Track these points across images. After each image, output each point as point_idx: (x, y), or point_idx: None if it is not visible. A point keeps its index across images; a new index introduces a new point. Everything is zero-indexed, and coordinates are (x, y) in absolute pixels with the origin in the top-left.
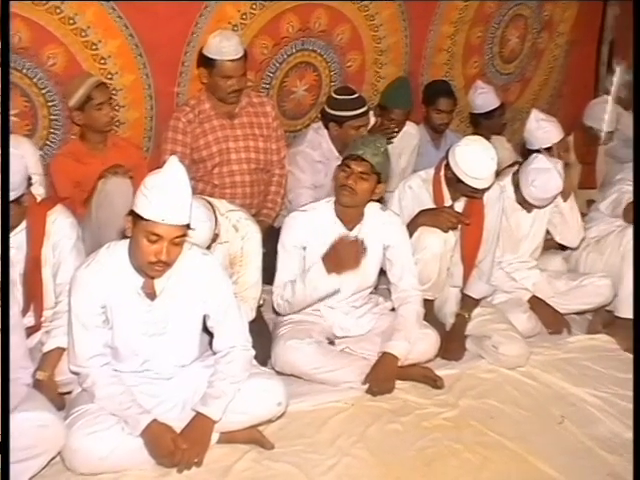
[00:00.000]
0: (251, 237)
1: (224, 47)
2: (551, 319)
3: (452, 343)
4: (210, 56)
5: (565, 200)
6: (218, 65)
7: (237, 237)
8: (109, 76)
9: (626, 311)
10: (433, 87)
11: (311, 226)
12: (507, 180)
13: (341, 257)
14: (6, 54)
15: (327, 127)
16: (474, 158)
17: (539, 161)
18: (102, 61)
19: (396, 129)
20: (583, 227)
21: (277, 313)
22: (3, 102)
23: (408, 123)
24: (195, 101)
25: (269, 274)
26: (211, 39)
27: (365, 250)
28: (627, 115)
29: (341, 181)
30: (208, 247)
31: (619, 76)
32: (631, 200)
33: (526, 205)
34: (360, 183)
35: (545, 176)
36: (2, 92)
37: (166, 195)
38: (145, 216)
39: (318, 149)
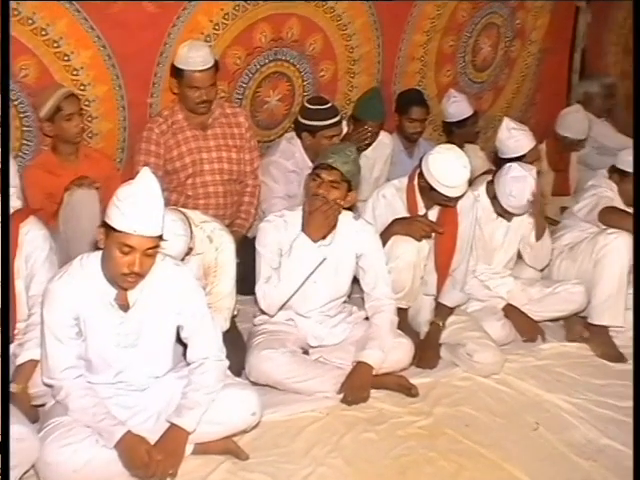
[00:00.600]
0: (225, 248)
1: (192, 57)
2: (525, 326)
3: (426, 351)
4: (179, 66)
5: (538, 239)
6: (186, 75)
7: (211, 248)
8: (82, 87)
9: (599, 318)
10: (406, 96)
11: (285, 231)
12: (481, 190)
13: (318, 220)
14: (6, 56)
15: (300, 137)
16: (447, 166)
17: (514, 170)
18: (75, 72)
19: (368, 141)
20: (551, 253)
21: (262, 312)
22: (3, 106)
23: (381, 132)
24: (168, 112)
25: (243, 284)
26: (180, 49)
27: (339, 210)
28: (599, 123)
29: (312, 190)
30: (182, 259)
31: (591, 84)
32: (608, 204)
33: (506, 215)
34: (331, 192)
35: (521, 184)
36: (2, 96)
37: (139, 206)
38: (117, 227)
39: (291, 159)
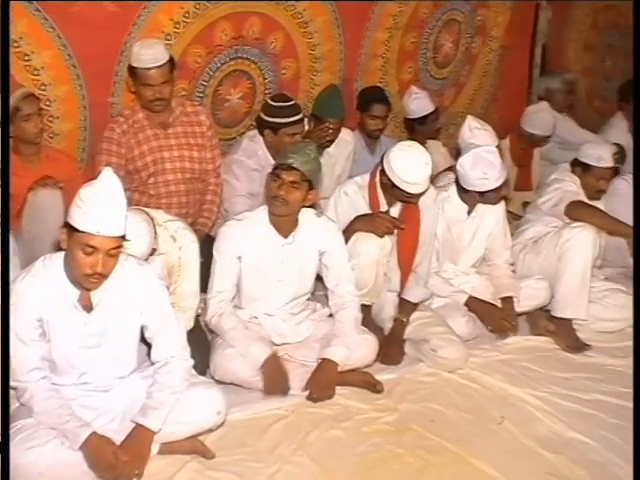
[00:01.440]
0: (189, 247)
1: (143, 55)
2: (492, 314)
3: (391, 348)
4: (132, 64)
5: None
6: (139, 73)
7: (175, 247)
8: (42, 87)
9: (563, 311)
10: (367, 93)
11: (246, 235)
12: (452, 190)
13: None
14: (6, 55)
15: (262, 134)
16: (408, 163)
17: (477, 154)
18: (35, 72)
19: (330, 138)
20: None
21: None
22: (3, 105)
23: (343, 129)
24: (129, 111)
25: (207, 283)
26: (133, 48)
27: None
28: (561, 118)
29: (273, 192)
30: (146, 259)
31: (552, 80)
32: (574, 198)
33: (481, 203)
34: (292, 192)
35: (489, 163)
36: (2, 93)
37: (101, 206)
38: (80, 228)
39: (253, 157)
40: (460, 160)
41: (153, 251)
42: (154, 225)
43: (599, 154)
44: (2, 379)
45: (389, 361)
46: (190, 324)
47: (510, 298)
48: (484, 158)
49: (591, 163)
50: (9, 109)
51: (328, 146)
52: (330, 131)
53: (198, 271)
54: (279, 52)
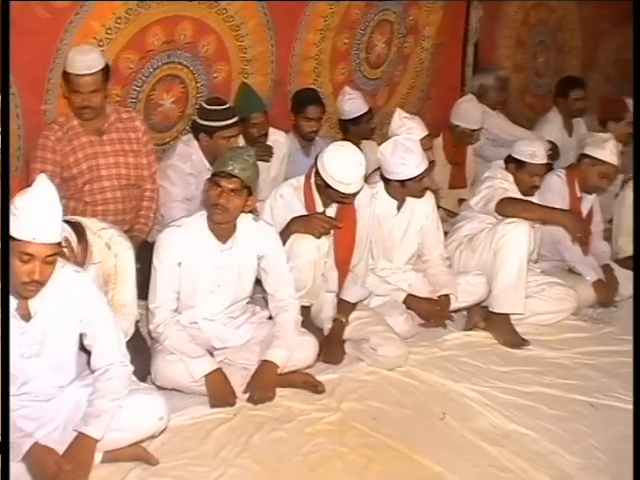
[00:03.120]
0: (124, 254)
1: (76, 61)
2: (429, 309)
3: (331, 347)
4: (66, 70)
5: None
6: (70, 79)
7: (110, 255)
8: None
9: (500, 306)
10: (301, 95)
11: (185, 241)
12: (380, 186)
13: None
14: (6, 55)
15: (197, 138)
16: (342, 163)
17: (396, 142)
18: None
19: (260, 133)
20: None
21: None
22: (3, 105)
23: (277, 132)
24: (64, 118)
25: (144, 289)
26: (69, 53)
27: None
28: (494, 115)
29: (212, 200)
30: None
31: (486, 77)
32: (504, 196)
33: (405, 190)
34: (232, 200)
35: (408, 150)
36: (2, 94)
37: (35, 214)
38: (16, 236)
39: (188, 161)
40: (381, 147)
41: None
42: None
43: (533, 150)
44: (2, 379)
45: (330, 361)
46: (130, 331)
47: (447, 296)
48: (403, 144)
49: (525, 160)
50: (9, 109)
51: (263, 142)
52: (256, 127)
53: (134, 278)
54: (211, 55)
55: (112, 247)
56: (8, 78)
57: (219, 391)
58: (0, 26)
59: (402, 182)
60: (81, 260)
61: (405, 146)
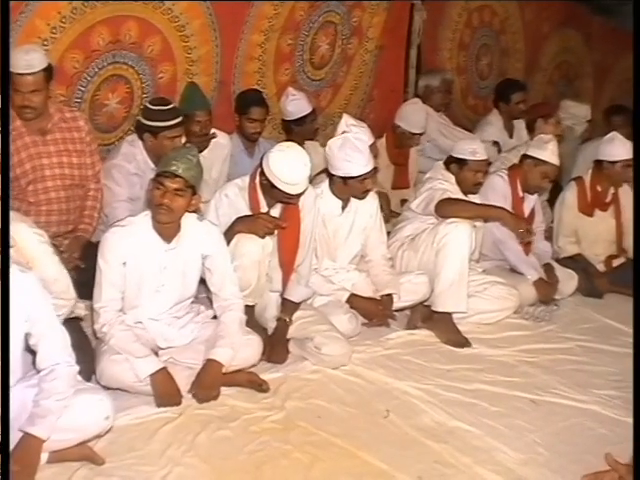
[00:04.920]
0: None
1: (18, 60)
2: (372, 309)
3: (275, 347)
4: (10, 69)
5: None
6: (12, 78)
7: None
8: None
9: (443, 305)
10: (245, 96)
11: (130, 241)
12: (324, 186)
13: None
14: (6, 54)
15: (142, 138)
16: (287, 164)
17: (345, 138)
18: None
19: (202, 132)
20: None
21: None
22: (3, 105)
23: (219, 133)
24: None
25: (89, 289)
26: (13, 52)
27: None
28: (437, 116)
29: (157, 200)
30: None
31: (432, 78)
32: (444, 197)
33: (348, 190)
34: (176, 200)
35: (355, 147)
36: (2, 94)
37: None
38: None
39: (133, 161)
40: (330, 141)
41: None
42: None
43: (473, 148)
44: (2, 378)
45: (274, 359)
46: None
47: (390, 295)
48: (352, 142)
49: (466, 157)
50: (9, 109)
51: (206, 141)
52: (199, 126)
53: (52, 257)
54: (156, 56)
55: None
56: (8, 78)
57: (164, 391)
58: (0, 26)
59: (345, 180)
60: None
61: (353, 144)
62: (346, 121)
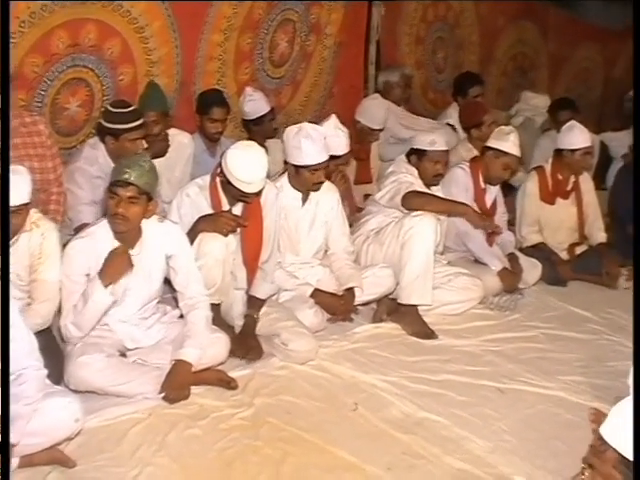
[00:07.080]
0: (50, 235)
1: None
2: (334, 303)
3: (247, 343)
4: None
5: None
6: None
7: (37, 233)
8: None
9: (408, 298)
10: (206, 97)
11: (91, 252)
12: (283, 180)
13: (113, 267)
14: (6, 54)
15: (104, 141)
16: (243, 163)
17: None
18: None
19: (155, 132)
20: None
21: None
22: (3, 105)
23: (181, 133)
24: None
25: None
26: None
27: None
28: (399, 111)
29: (112, 209)
30: None
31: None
32: (409, 189)
33: (299, 179)
34: (131, 208)
35: (310, 139)
36: (2, 95)
37: None
38: None
39: (95, 164)
40: (287, 129)
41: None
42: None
43: (432, 138)
44: (2, 378)
45: (251, 356)
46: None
47: (352, 289)
48: (306, 131)
49: (425, 148)
50: (9, 109)
51: (162, 142)
52: (153, 125)
53: (59, 258)
54: (116, 58)
55: (40, 226)
56: (8, 78)
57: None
58: (0, 26)
59: (297, 169)
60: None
61: (307, 132)
62: (335, 123)
